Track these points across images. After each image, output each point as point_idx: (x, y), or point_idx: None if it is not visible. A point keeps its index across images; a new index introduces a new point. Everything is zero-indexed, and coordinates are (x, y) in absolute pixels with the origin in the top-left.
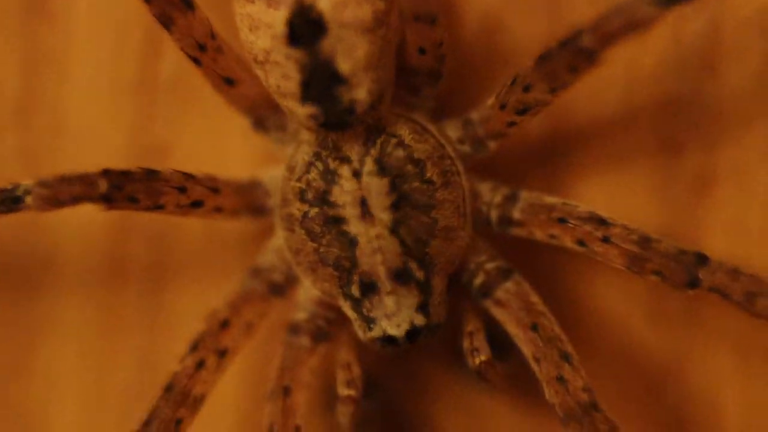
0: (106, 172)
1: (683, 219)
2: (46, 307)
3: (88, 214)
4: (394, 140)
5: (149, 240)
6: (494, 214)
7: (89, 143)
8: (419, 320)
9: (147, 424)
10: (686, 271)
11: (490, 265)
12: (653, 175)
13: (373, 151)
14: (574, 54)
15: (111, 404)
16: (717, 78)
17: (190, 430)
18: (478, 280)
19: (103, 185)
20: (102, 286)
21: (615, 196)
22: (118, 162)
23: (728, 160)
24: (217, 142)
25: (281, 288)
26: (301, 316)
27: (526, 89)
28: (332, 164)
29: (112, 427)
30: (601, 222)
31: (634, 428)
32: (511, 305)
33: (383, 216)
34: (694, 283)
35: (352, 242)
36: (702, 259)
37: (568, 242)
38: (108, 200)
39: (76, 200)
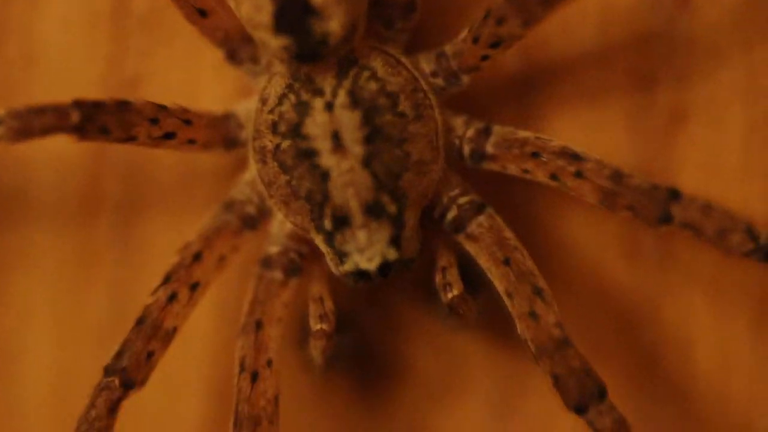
0: (78, 103)
1: (657, 154)
2: (18, 239)
3: (60, 146)
4: (367, 73)
5: (122, 173)
6: (467, 148)
7: (61, 74)
8: (391, 254)
9: (119, 356)
10: (658, 207)
11: (462, 200)
12: (627, 110)
13: (346, 84)
14: None
15: (84, 336)
16: (691, 12)
17: (162, 363)
18: (451, 215)
19: (74, 116)
20: (75, 218)
21: (588, 131)
22: (91, 94)
23: (702, 96)
24: (191, 75)
25: (254, 221)
26: (273, 249)
27: (499, 22)
28: (305, 96)
29: (85, 359)
30: (574, 157)
31: (607, 365)
32: (484, 240)
33: (355, 149)
34: (665, 219)
35: (324, 175)
36: (674, 194)
37: (541, 176)
38: (80, 131)
39: (47, 131)
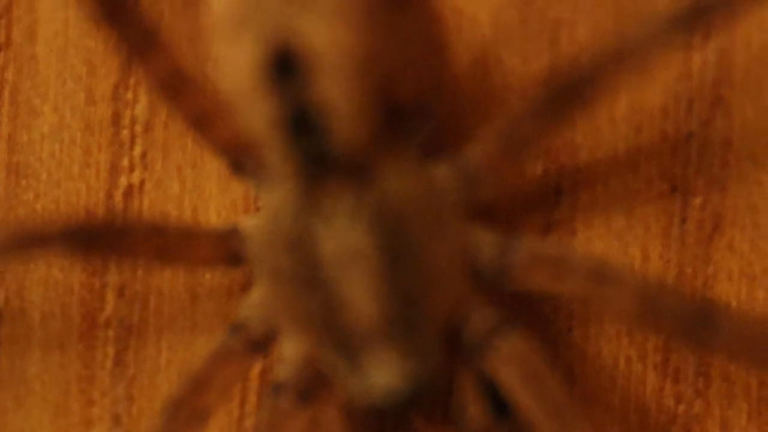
0: (67, 232)
1: (693, 265)
2: (12, 364)
3: (56, 263)
4: (380, 186)
5: (124, 293)
6: (489, 265)
7: (57, 185)
8: (409, 379)
9: None
10: (692, 330)
11: (485, 319)
12: (661, 218)
13: (358, 200)
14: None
15: None
16: (726, 113)
17: None
18: (473, 335)
19: (64, 245)
20: (73, 340)
21: (620, 239)
22: (89, 204)
23: (740, 200)
24: (195, 184)
25: (262, 344)
26: (283, 374)
27: (523, 126)
28: (314, 212)
29: None
30: (602, 277)
31: None
32: (509, 362)
33: (369, 269)
34: (700, 342)
35: (336, 296)
36: (708, 314)
37: (569, 294)
38: (73, 255)
39: (36, 256)
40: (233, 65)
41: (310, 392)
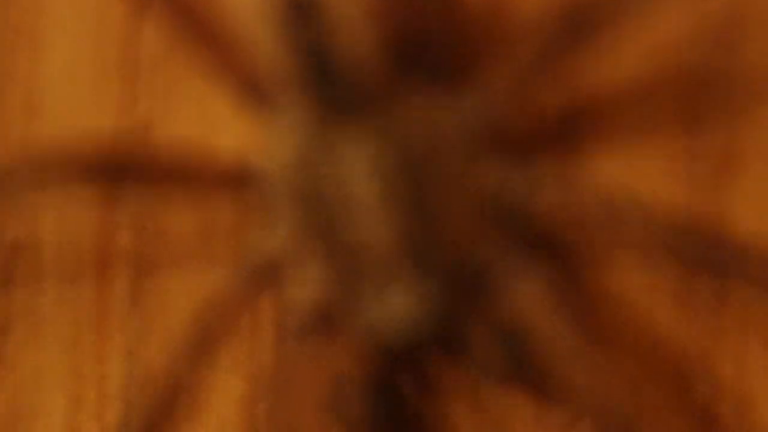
0: (85, 161)
1: (703, 199)
2: (24, 298)
3: (69, 196)
4: (401, 120)
5: (138, 229)
6: (508, 196)
7: (69, 123)
8: (424, 309)
9: (128, 424)
10: (707, 258)
11: (502, 255)
12: (675, 149)
13: (381, 130)
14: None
15: (94, 401)
16: (739, 52)
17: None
18: (490, 271)
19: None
20: (86, 275)
21: (635, 170)
22: (101, 141)
23: (751, 138)
24: (206, 118)
25: (276, 276)
26: (298, 305)
27: (538, 57)
28: (335, 143)
29: (92, 425)
30: (617, 205)
31: (661, 422)
32: (526, 299)
33: (393, 198)
34: (715, 268)
35: (360, 225)
36: (721, 241)
37: (585, 227)
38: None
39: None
40: (250, 4)
41: (321, 331)
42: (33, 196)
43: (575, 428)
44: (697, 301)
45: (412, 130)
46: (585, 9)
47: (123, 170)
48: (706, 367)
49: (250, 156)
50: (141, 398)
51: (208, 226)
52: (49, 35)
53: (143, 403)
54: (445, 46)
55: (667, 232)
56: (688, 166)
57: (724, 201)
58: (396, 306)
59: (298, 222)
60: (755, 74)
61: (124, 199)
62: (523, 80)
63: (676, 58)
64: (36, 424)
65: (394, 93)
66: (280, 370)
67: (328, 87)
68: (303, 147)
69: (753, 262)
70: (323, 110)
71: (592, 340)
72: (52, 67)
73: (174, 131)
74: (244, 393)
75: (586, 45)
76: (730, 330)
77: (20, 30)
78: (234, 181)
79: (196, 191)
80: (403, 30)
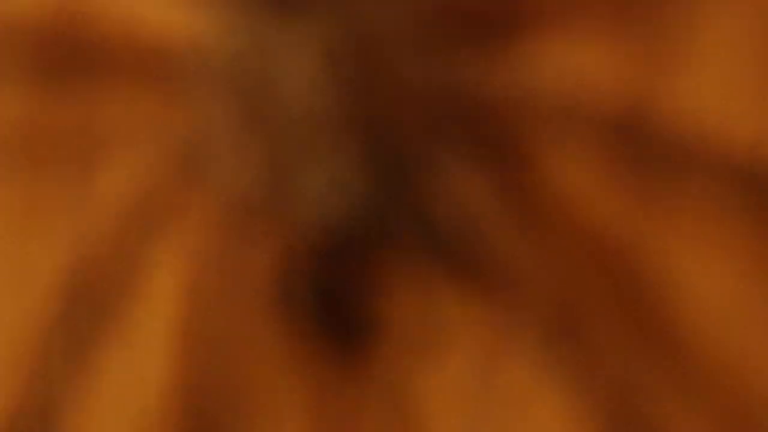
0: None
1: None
2: None
3: None
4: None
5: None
6: (453, 84)
7: None
8: (361, 186)
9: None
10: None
11: (445, 142)
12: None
13: (328, 14)
14: None
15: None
16: None
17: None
18: (439, 158)
19: None
20: (27, 162)
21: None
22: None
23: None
24: None
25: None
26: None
27: None
28: (279, 29)
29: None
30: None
31: (590, 305)
32: (467, 186)
33: (335, 79)
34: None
35: (297, 104)
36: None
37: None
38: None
39: None
40: None
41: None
42: None
43: (517, 324)
44: (632, 195)
45: (359, 15)
46: None
47: (54, 53)
48: (639, 257)
49: (177, 37)
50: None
51: (131, 111)
52: None
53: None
54: None
55: (606, 125)
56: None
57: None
58: (327, 186)
59: (228, 107)
60: None
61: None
62: None
63: None
64: None
65: None
66: (216, 262)
67: None
68: (247, 32)
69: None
70: None
71: (531, 229)
72: None
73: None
74: (178, 283)
75: None
76: (660, 221)
77: None
78: (158, 63)
79: (119, 75)
80: None
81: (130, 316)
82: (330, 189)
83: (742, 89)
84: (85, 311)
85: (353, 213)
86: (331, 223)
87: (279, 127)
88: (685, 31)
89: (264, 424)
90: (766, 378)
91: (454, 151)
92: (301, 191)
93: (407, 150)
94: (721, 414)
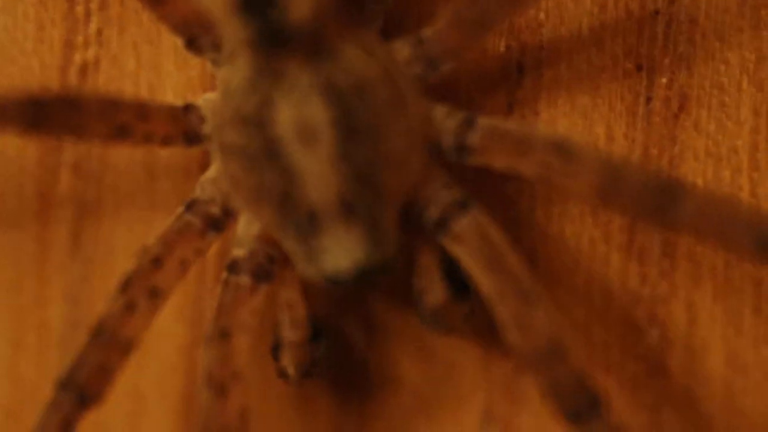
0: (20, 101)
1: (659, 143)
2: None
3: (9, 140)
4: (337, 62)
5: (80, 167)
6: (449, 141)
7: (8, 60)
8: (367, 256)
9: (73, 370)
10: (657, 209)
11: (445, 197)
12: (627, 96)
13: (315, 74)
14: None
15: (36, 345)
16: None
17: (128, 376)
18: (433, 213)
19: (16, 114)
20: (28, 218)
21: (584, 118)
22: (43, 80)
23: (706, 79)
24: (150, 61)
25: (219, 222)
26: (240, 252)
27: (483, 3)
28: (270, 88)
29: (35, 369)
30: (565, 150)
31: (610, 373)
32: (469, 241)
33: (326, 144)
34: (665, 219)
35: (292, 172)
36: (674, 190)
37: (530, 172)
38: (24, 130)
39: None
40: None
41: (266, 270)
42: None
43: (523, 375)
44: (648, 246)
45: (347, 65)
46: None
47: (64, 111)
48: (657, 314)
49: (192, 97)
50: (81, 344)
51: (152, 166)
52: None
53: (84, 348)
54: None
55: (620, 172)
56: (642, 108)
57: (680, 140)
58: (328, 260)
59: (239, 167)
60: (708, 11)
61: (64, 142)
62: (467, 28)
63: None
64: None
65: (334, 29)
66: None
67: (266, 19)
68: (242, 83)
69: (704, 212)
70: (261, 43)
71: (539, 284)
72: None
73: (116, 75)
74: (186, 339)
75: None
76: (682, 278)
77: None
78: (177, 122)
79: (139, 135)
80: None
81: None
82: (339, 247)
83: None
84: None
85: (362, 271)
86: (341, 280)
87: (283, 188)
88: None
89: None
90: None
91: (450, 201)
92: (311, 250)
93: (409, 201)
94: None
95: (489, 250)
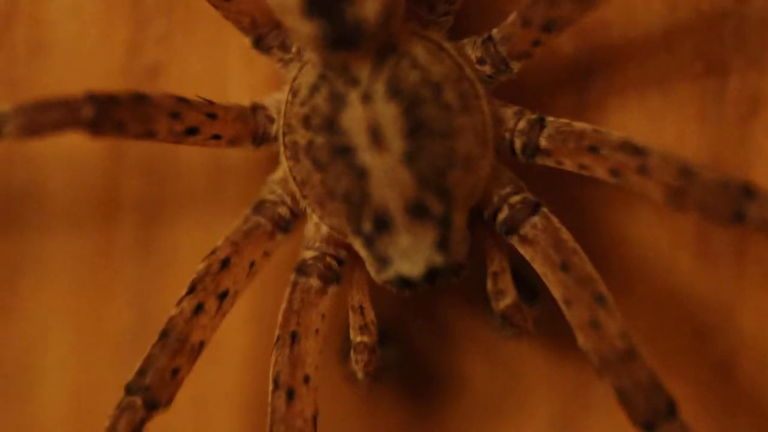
0: (91, 97)
1: (729, 145)
2: (32, 246)
3: (76, 143)
4: (407, 61)
5: (143, 171)
6: (519, 142)
7: (74, 64)
8: (437, 259)
9: (141, 373)
10: (730, 205)
11: (515, 198)
12: (696, 98)
13: (384, 73)
14: None
15: (106, 350)
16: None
17: (192, 379)
18: (503, 215)
19: (87, 111)
20: (93, 222)
21: (654, 121)
22: (107, 84)
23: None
24: (216, 63)
25: (287, 223)
26: (309, 254)
27: (552, 3)
28: (339, 87)
29: (104, 374)
30: (637, 150)
31: (680, 377)
32: (539, 242)
33: (396, 145)
34: (739, 218)
35: (362, 173)
36: (748, 191)
37: (601, 173)
38: (93, 127)
39: (57, 128)
40: None
41: (335, 272)
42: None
43: (590, 382)
44: (718, 252)
45: (417, 64)
46: None
47: (131, 112)
48: (727, 319)
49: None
50: (149, 346)
51: (217, 168)
52: None
53: (152, 352)
54: None
55: (693, 173)
56: (711, 114)
57: (748, 144)
58: (396, 266)
59: (308, 167)
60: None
61: (131, 144)
62: (537, 29)
63: (696, 0)
64: (44, 374)
65: (402, 30)
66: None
67: (333, 19)
68: (310, 82)
69: None
70: (329, 44)
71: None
72: (58, 3)
73: (184, 76)
74: (252, 343)
75: None
76: (753, 283)
77: None
78: (245, 121)
79: (206, 135)
80: None
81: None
82: (411, 251)
83: None
84: None
85: (433, 274)
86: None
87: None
88: None
89: None
90: None
91: (520, 202)
92: (381, 253)
93: (480, 204)
94: None
95: (559, 252)
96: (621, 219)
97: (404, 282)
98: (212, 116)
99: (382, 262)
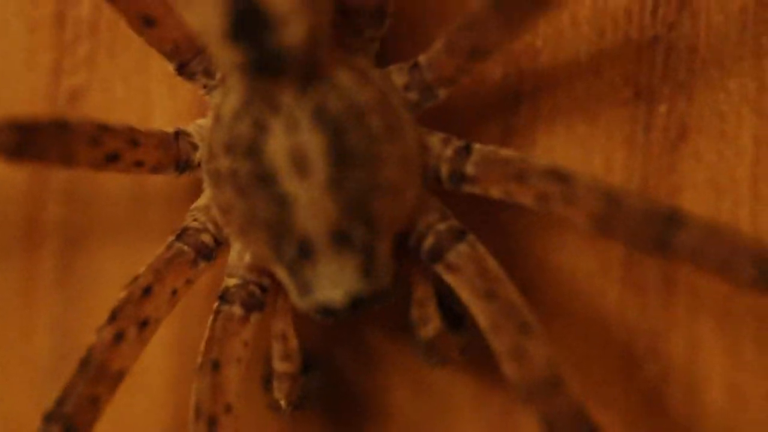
0: (10, 123)
1: (659, 172)
2: None
3: (2, 172)
4: (331, 88)
5: (67, 196)
6: (445, 169)
7: (2, 87)
8: (360, 287)
9: (60, 402)
10: (656, 234)
11: (441, 226)
12: (626, 124)
13: (309, 101)
14: None
15: (24, 376)
16: (692, 17)
17: (117, 407)
18: (428, 242)
19: (6, 137)
20: (14, 247)
21: (582, 147)
22: (30, 107)
23: (706, 107)
24: (140, 88)
25: (210, 251)
26: (232, 282)
27: (479, 30)
28: (263, 114)
29: (24, 401)
30: (562, 178)
31: (608, 404)
32: (464, 270)
33: (320, 173)
34: (664, 247)
35: (285, 201)
36: (673, 219)
37: (527, 200)
38: (13, 154)
39: None
40: None
41: (258, 300)
42: None
43: (516, 410)
44: (647, 279)
45: (341, 91)
46: None
47: (52, 138)
48: (656, 346)
49: (183, 124)
50: (69, 374)
51: (141, 195)
52: None
53: (72, 380)
54: (385, 16)
55: (620, 200)
56: (639, 139)
57: (676, 170)
58: (318, 294)
59: (230, 194)
60: (708, 39)
61: (53, 169)
62: (463, 56)
63: (626, 24)
64: None
65: (327, 56)
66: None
67: (257, 45)
68: (233, 109)
69: (704, 242)
70: (252, 69)
71: (535, 316)
72: None
73: (107, 100)
74: (174, 371)
75: (529, 15)
76: (681, 310)
77: None
78: (168, 148)
79: (129, 161)
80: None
81: None
82: (333, 279)
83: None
84: None
85: (356, 302)
86: (333, 311)
87: (274, 216)
88: None
89: None
90: None
91: (445, 230)
92: (304, 281)
93: (406, 230)
94: None
95: (485, 280)
96: (549, 246)
97: (327, 310)
98: (134, 143)
99: (305, 289)
